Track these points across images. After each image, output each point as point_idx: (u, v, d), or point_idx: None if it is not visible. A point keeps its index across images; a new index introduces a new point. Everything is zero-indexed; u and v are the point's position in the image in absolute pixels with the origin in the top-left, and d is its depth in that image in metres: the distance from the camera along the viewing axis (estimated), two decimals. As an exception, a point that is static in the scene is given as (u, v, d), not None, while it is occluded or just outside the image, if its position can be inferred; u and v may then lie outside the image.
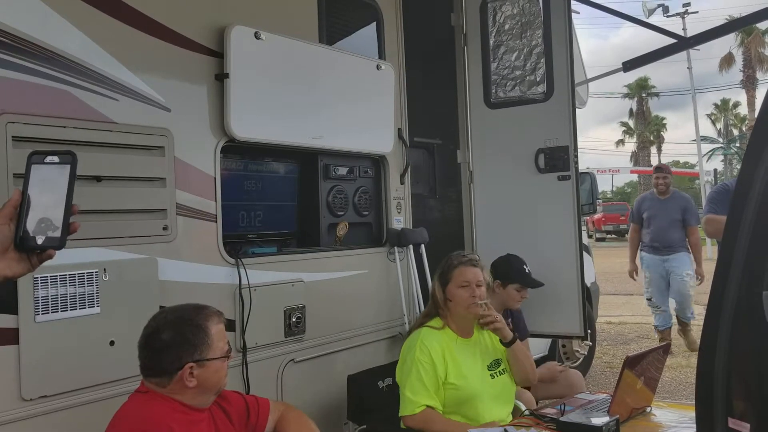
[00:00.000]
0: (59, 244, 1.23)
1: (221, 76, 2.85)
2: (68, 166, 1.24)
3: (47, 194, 1.23)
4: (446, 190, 4.47)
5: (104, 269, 2.41)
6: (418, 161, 4.23)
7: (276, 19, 3.15)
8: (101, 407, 2.27)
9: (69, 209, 1.23)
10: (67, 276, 2.30)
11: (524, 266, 3.72)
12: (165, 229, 2.65)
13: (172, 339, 2.04)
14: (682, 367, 6.68)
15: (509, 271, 3.67)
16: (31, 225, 1.22)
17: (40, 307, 2.24)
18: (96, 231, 2.38)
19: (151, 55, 2.65)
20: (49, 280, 2.25)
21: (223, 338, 2.12)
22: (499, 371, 2.97)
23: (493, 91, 4.21)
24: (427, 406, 2.74)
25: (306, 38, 3.27)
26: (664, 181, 7.37)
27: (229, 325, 2.84)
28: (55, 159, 1.24)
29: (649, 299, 7.51)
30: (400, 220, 3.88)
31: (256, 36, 2.94)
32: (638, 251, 7.51)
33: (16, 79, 2.23)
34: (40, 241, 1.22)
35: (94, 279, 2.38)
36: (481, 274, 2.98)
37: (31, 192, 1.23)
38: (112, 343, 2.43)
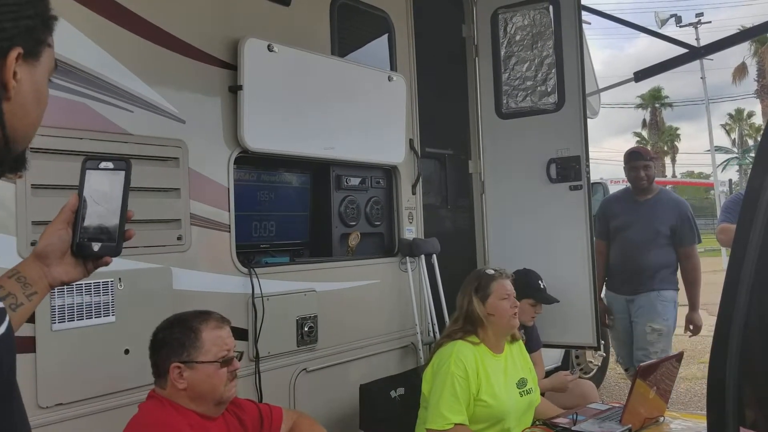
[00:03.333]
0: (115, 251, 1.22)
1: (235, 88, 2.89)
2: (123, 173, 1.22)
3: (102, 200, 1.21)
4: (458, 200, 4.48)
5: (119, 278, 2.44)
6: (429, 171, 4.25)
7: (289, 32, 3.19)
8: (116, 415, 2.29)
9: (124, 216, 1.21)
10: (83, 285, 2.33)
11: (540, 281, 3.70)
12: (179, 239, 2.68)
13: (163, 339, 2.10)
14: (697, 378, 6.62)
15: (525, 285, 3.59)
16: (87, 231, 1.20)
17: (57, 315, 2.27)
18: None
19: (165, 68, 2.69)
20: (65, 290, 2.28)
21: (219, 344, 2.09)
22: (527, 390, 2.95)
23: (505, 101, 4.22)
24: (457, 423, 2.71)
25: (318, 50, 3.31)
26: (645, 172, 4.53)
27: (242, 335, 2.87)
28: (110, 165, 1.22)
29: (618, 360, 4.96)
30: (411, 230, 3.89)
31: (269, 48, 2.98)
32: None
33: (34, 92, 2.27)
34: (96, 248, 1.21)
35: (110, 288, 2.41)
36: None
37: (86, 197, 1.21)
38: (126, 351, 2.46)
